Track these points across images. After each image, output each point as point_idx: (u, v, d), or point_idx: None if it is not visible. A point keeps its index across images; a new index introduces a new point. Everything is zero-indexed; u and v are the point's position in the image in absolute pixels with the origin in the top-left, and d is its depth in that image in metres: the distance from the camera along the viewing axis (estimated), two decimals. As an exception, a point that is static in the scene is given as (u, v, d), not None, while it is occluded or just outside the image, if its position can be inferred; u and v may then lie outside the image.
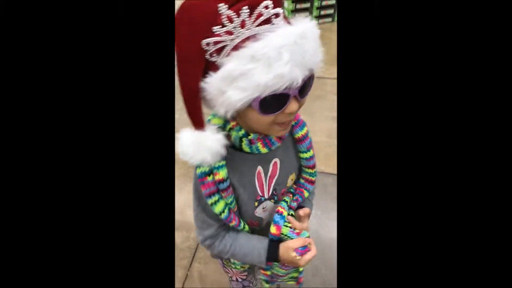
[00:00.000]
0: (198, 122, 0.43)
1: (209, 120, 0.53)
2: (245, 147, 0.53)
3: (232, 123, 0.52)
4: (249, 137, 0.52)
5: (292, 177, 0.66)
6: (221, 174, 0.53)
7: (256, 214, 0.63)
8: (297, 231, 0.60)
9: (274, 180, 0.61)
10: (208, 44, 0.38)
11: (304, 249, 0.58)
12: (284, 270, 0.67)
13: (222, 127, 0.53)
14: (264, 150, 0.54)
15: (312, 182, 0.67)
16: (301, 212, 0.64)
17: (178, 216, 1.51)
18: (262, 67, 0.37)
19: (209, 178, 0.53)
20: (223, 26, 0.37)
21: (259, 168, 0.58)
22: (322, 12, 3.19)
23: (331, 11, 3.20)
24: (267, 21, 0.38)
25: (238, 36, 0.38)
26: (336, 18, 3.18)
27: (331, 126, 1.99)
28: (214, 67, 0.40)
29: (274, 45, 0.37)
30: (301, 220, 0.64)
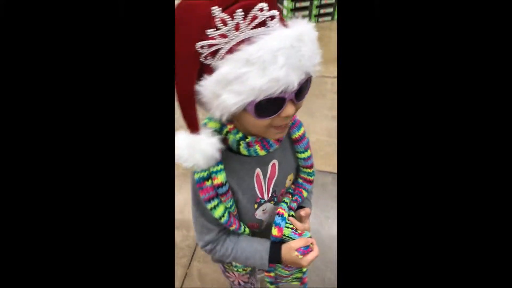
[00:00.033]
0: (192, 125, 0.43)
1: (205, 124, 0.53)
2: (243, 150, 0.53)
3: (229, 126, 0.52)
4: (247, 140, 0.51)
5: (290, 178, 0.66)
6: (220, 178, 0.52)
7: (256, 217, 0.63)
8: (299, 231, 0.60)
9: (273, 182, 0.61)
10: (202, 47, 0.37)
11: (307, 249, 0.58)
12: (287, 271, 0.67)
13: (219, 131, 0.52)
14: (262, 152, 0.54)
15: (310, 182, 0.67)
16: (302, 212, 0.63)
17: (177, 215, 1.51)
18: (257, 70, 0.36)
19: (208, 183, 0.52)
20: (217, 29, 0.36)
21: (258, 170, 0.58)
22: (322, 11, 3.19)
23: (330, 9, 3.20)
24: (262, 23, 0.37)
25: (232, 39, 0.37)
26: (335, 17, 3.18)
27: (331, 125, 1.99)
28: (209, 70, 0.39)
29: (269, 48, 0.36)
30: (302, 221, 0.63)
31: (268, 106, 0.40)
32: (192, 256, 1.39)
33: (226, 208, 0.56)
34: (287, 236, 0.59)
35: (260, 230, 0.67)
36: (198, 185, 0.53)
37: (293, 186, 0.67)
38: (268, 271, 0.66)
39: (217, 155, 0.44)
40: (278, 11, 0.38)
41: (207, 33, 0.37)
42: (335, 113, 2.04)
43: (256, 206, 0.61)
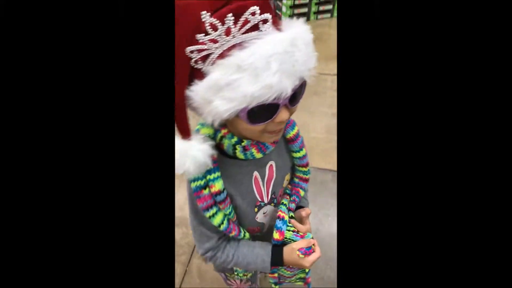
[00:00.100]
0: (183, 131, 0.41)
1: (197, 130, 0.51)
2: (239, 154, 0.51)
3: (223, 131, 0.50)
4: (243, 143, 0.50)
5: (287, 177, 0.65)
6: (217, 186, 0.51)
7: (257, 220, 0.62)
8: (301, 233, 0.60)
9: (271, 183, 0.60)
10: (192, 51, 0.36)
11: (309, 250, 0.57)
12: (289, 272, 0.67)
13: (212, 137, 0.51)
14: (259, 155, 0.53)
15: (306, 180, 0.67)
16: (303, 212, 0.62)
17: (177, 213, 1.51)
18: (248, 77, 0.35)
19: (205, 191, 0.51)
20: (207, 34, 0.35)
21: (255, 173, 0.57)
22: (321, 8, 3.17)
23: (329, 6, 3.19)
24: (255, 27, 0.36)
25: (223, 44, 0.36)
26: (335, 14, 3.17)
27: (330, 122, 1.99)
28: (200, 74, 0.38)
29: (261, 54, 0.34)
30: (303, 221, 0.63)
31: (261, 112, 0.39)
32: (192, 253, 1.40)
33: (225, 215, 0.54)
34: (289, 239, 0.59)
35: (262, 234, 0.66)
36: (195, 194, 0.51)
37: (289, 186, 0.67)
38: (272, 272, 0.65)
39: (209, 162, 0.43)
40: (271, 13, 0.37)
41: (197, 38, 0.35)
42: (334, 110, 2.03)
43: (256, 209, 0.60)
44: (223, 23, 0.35)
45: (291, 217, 0.62)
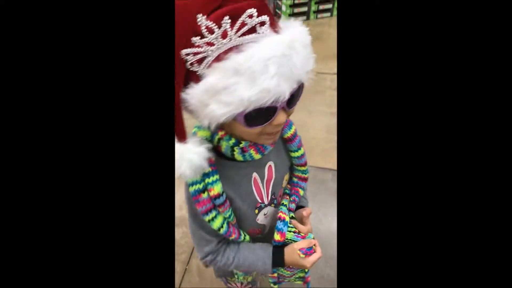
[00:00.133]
0: (179, 134, 0.40)
1: (194, 133, 0.51)
2: (238, 156, 0.51)
3: (221, 133, 0.49)
4: (241, 145, 0.49)
5: (286, 177, 0.65)
6: (216, 189, 0.50)
7: (258, 222, 0.62)
8: (303, 234, 0.59)
9: (271, 184, 0.60)
10: (187, 54, 0.35)
11: (310, 250, 0.57)
12: (289, 272, 0.67)
13: (210, 139, 0.50)
14: (257, 156, 0.52)
15: (305, 180, 0.67)
16: (304, 212, 0.62)
17: (177, 213, 1.51)
18: (246, 81, 0.34)
19: (204, 195, 0.50)
20: (203, 37, 0.34)
21: (255, 174, 0.56)
22: (321, 7, 3.17)
23: (329, 5, 3.18)
24: (252, 30, 0.35)
25: (219, 47, 0.35)
26: (335, 13, 3.16)
27: (330, 121, 1.99)
28: (196, 77, 0.37)
29: (259, 57, 0.34)
30: (304, 221, 0.62)
31: (259, 116, 0.39)
32: (192, 252, 1.40)
33: (224, 219, 0.54)
34: (290, 240, 0.59)
35: (263, 235, 0.66)
36: (194, 198, 0.50)
37: (289, 186, 0.67)
38: (271, 272, 0.65)
39: (205, 165, 0.42)
40: (268, 15, 0.36)
41: (193, 41, 0.34)
42: (333, 109, 2.03)
43: (257, 211, 0.60)
44: (219, 26, 0.34)
45: (292, 218, 0.62)
